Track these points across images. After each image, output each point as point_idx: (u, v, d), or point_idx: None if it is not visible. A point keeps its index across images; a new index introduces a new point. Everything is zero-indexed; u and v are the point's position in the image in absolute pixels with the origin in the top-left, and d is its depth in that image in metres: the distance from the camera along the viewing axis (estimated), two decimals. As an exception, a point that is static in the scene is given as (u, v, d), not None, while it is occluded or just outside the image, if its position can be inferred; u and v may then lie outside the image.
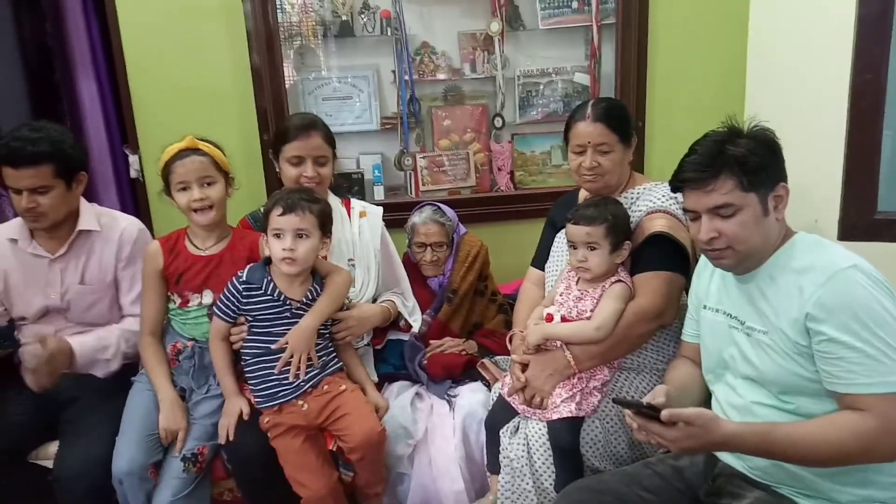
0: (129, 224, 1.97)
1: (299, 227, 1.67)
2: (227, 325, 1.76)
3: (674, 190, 1.44)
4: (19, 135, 1.76)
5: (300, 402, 1.73)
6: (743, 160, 1.32)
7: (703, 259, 1.59)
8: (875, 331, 1.22)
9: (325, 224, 1.73)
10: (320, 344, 1.78)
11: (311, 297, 1.75)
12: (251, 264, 1.78)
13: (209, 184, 1.81)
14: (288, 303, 1.72)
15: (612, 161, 1.78)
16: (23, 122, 1.88)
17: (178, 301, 1.84)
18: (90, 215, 1.93)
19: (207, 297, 1.83)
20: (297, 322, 1.72)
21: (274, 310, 1.72)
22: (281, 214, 1.68)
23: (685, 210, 1.42)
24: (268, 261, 1.75)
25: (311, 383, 1.74)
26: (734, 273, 1.43)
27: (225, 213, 1.88)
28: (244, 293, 1.72)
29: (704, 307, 1.53)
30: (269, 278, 1.72)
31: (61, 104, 2.47)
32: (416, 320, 2.11)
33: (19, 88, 2.48)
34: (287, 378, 1.72)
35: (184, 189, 1.79)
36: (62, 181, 1.81)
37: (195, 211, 1.79)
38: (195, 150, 1.81)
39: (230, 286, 1.73)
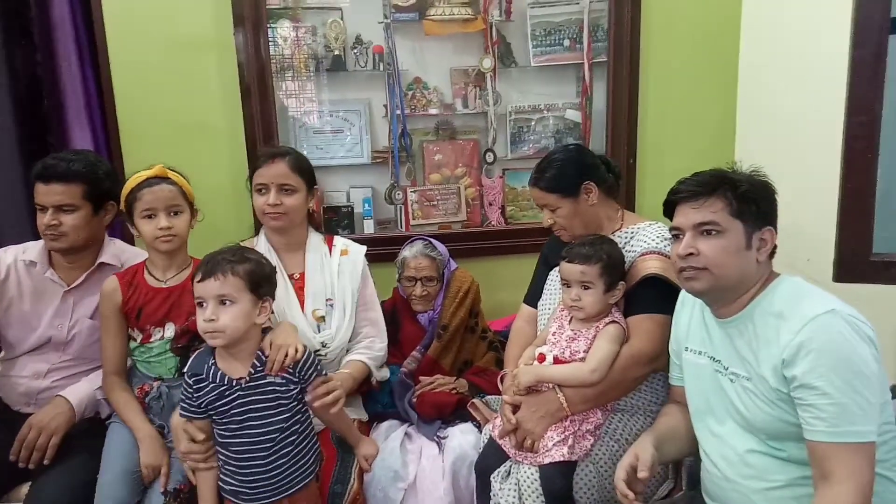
0: None
1: (220, 294, 1.47)
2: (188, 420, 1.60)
3: (667, 209, 1.45)
4: (57, 154, 1.83)
5: None
6: (737, 186, 1.35)
7: (679, 300, 1.59)
8: (848, 378, 1.20)
9: (257, 285, 1.52)
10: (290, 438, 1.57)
11: (257, 369, 1.54)
12: (197, 352, 1.61)
13: (176, 213, 1.78)
14: (235, 384, 1.53)
15: (563, 216, 1.83)
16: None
17: (140, 337, 1.78)
18: (112, 250, 1.94)
19: (170, 330, 1.78)
20: (250, 402, 1.52)
21: (223, 394, 1.53)
22: (199, 280, 1.48)
23: (671, 230, 1.44)
24: None
25: (289, 491, 1.56)
26: (712, 308, 1.42)
27: (186, 244, 1.85)
28: (194, 386, 1.54)
29: (686, 349, 1.52)
30: (212, 362, 1.55)
31: (50, 135, 2.44)
32: (383, 374, 2.04)
33: (8, 119, 2.45)
34: (267, 479, 1.53)
35: (149, 217, 1.75)
36: (89, 204, 1.82)
37: (158, 239, 1.76)
38: (164, 179, 1.79)
39: (183, 382, 1.58)
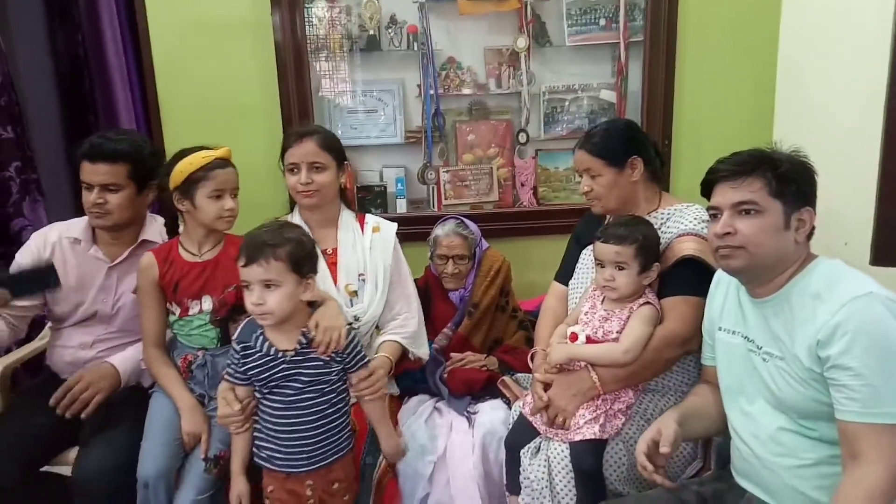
0: None
1: (265, 279, 1.53)
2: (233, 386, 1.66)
3: (705, 189, 1.44)
4: (104, 134, 1.88)
5: (308, 482, 1.62)
6: (777, 165, 1.33)
7: (714, 280, 1.58)
8: (883, 361, 1.19)
9: (299, 265, 1.56)
10: (335, 410, 1.64)
11: (303, 344, 1.60)
12: (246, 320, 1.66)
13: (235, 196, 1.84)
14: (280, 355, 1.59)
15: (602, 185, 1.80)
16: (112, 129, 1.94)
17: (178, 310, 1.83)
18: (154, 227, 1.99)
19: (207, 302, 1.82)
20: (294, 374, 1.59)
21: (269, 364, 1.60)
22: (245, 265, 1.53)
23: (709, 209, 1.42)
24: None
25: (322, 462, 1.62)
26: (748, 288, 1.42)
27: None
28: (242, 353, 1.61)
29: (720, 329, 1.52)
30: (260, 332, 1.61)
31: (93, 115, 2.51)
32: (422, 349, 2.06)
33: (52, 99, 2.53)
34: (302, 448, 1.60)
35: (218, 197, 1.79)
36: (134, 184, 1.87)
37: (222, 219, 1.80)
38: (230, 162, 1.84)
39: (231, 349, 1.65)
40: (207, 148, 1.82)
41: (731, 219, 1.35)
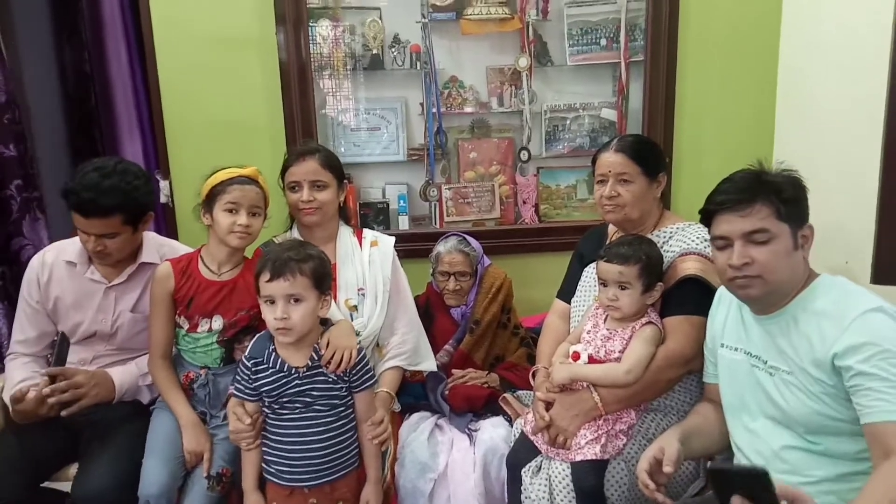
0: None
1: (291, 293, 1.54)
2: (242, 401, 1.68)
3: (705, 217, 1.43)
4: (89, 182, 1.73)
5: (312, 500, 1.63)
6: (779, 189, 1.34)
7: (716, 298, 1.59)
8: None
9: (321, 281, 1.59)
10: (341, 433, 1.66)
11: (315, 361, 1.63)
12: (256, 336, 1.69)
13: (255, 214, 1.83)
14: (293, 371, 1.61)
15: (632, 193, 1.77)
16: (91, 161, 1.82)
17: (187, 325, 1.83)
18: (152, 247, 1.98)
19: (217, 322, 1.82)
20: (305, 390, 1.61)
21: (280, 381, 1.61)
22: (269, 280, 1.55)
23: (715, 238, 1.41)
24: None
25: (329, 477, 1.65)
26: (754, 308, 1.42)
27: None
28: (253, 369, 1.62)
29: (722, 346, 1.52)
30: (272, 348, 1.63)
31: (98, 131, 2.53)
32: (426, 363, 2.07)
33: (57, 115, 2.55)
34: (309, 463, 1.62)
35: (231, 211, 1.80)
36: (130, 227, 1.84)
37: (233, 233, 1.80)
38: (254, 181, 1.85)
39: (241, 363, 1.66)
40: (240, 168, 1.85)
41: (745, 248, 1.34)
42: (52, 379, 1.77)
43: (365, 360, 1.68)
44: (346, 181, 2.07)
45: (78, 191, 1.74)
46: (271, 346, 1.63)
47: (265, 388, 1.62)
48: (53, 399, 1.75)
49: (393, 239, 2.12)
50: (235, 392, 1.67)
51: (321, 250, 1.68)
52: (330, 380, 1.63)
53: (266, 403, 1.64)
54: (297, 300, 1.56)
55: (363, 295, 2.01)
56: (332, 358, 1.63)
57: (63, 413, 1.78)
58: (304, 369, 1.61)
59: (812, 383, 1.30)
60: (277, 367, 1.61)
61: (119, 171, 1.79)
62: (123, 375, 1.90)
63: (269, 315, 1.56)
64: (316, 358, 1.63)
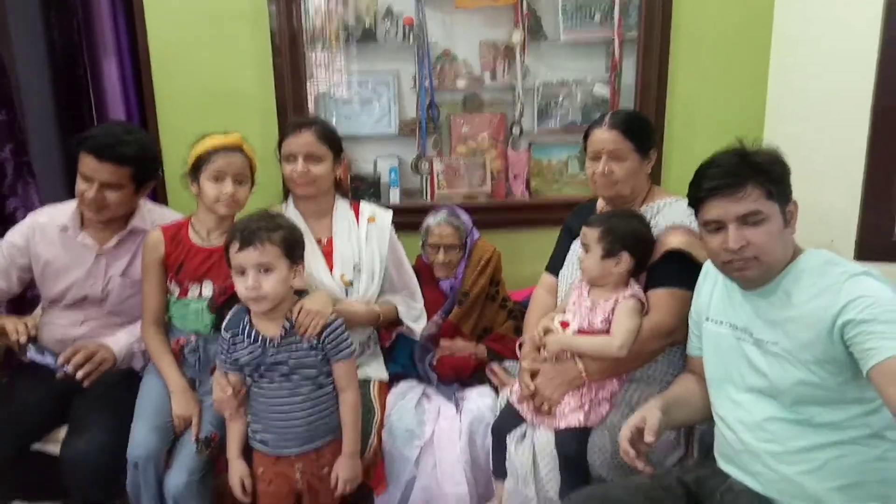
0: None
1: (261, 262, 1.54)
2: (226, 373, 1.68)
3: (693, 202, 1.43)
4: (112, 131, 1.84)
5: (298, 465, 1.66)
6: (767, 169, 1.34)
7: (702, 272, 1.60)
8: None
9: (292, 251, 1.60)
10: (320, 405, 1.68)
11: (288, 330, 1.63)
12: (234, 308, 1.69)
13: (241, 182, 1.84)
14: (269, 342, 1.62)
15: (626, 169, 1.78)
16: (116, 122, 1.94)
17: (177, 291, 1.85)
18: (144, 213, 1.99)
19: (207, 288, 1.83)
20: (281, 360, 1.62)
21: (256, 351, 1.62)
22: (239, 250, 1.55)
23: (706, 222, 1.40)
24: None
25: (313, 444, 1.67)
26: (744, 285, 1.43)
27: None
28: (231, 341, 1.64)
29: (707, 319, 1.54)
30: (247, 319, 1.64)
31: (86, 97, 2.51)
32: (420, 325, 2.10)
33: (46, 84, 2.52)
34: (292, 431, 1.64)
35: (217, 180, 1.81)
36: (134, 184, 1.87)
37: (219, 202, 1.81)
38: (239, 149, 1.85)
39: (220, 338, 1.68)
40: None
41: (740, 230, 1.34)
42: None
43: (341, 327, 1.67)
44: (342, 155, 2.06)
45: (98, 136, 1.82)
46: (247, 317, 1.64)
47: (244, 360, 1.63)
48: (80, 373, 1.80)
49: (390, 213, 2.13)
50: (219, 364, 1.69)
51: (291, 221, 1.68)
52: (304, 347, 1.64)
53: (247, 373, 1.66)
54: (267, 270, 1.56)
55: (359, 270, 2.02)
56: (304, 324, 1.63)
57: (85, 384, 1.82)
58: (279, 338, 1.62)
59: (802, 350, 1.31)
60: (252, 337, 1.62)
61: (140, 133, 1.94)
62: (118, 345, 1.92)
63: (241, 285, 1.56)
64: (289, 326, 1.63)
